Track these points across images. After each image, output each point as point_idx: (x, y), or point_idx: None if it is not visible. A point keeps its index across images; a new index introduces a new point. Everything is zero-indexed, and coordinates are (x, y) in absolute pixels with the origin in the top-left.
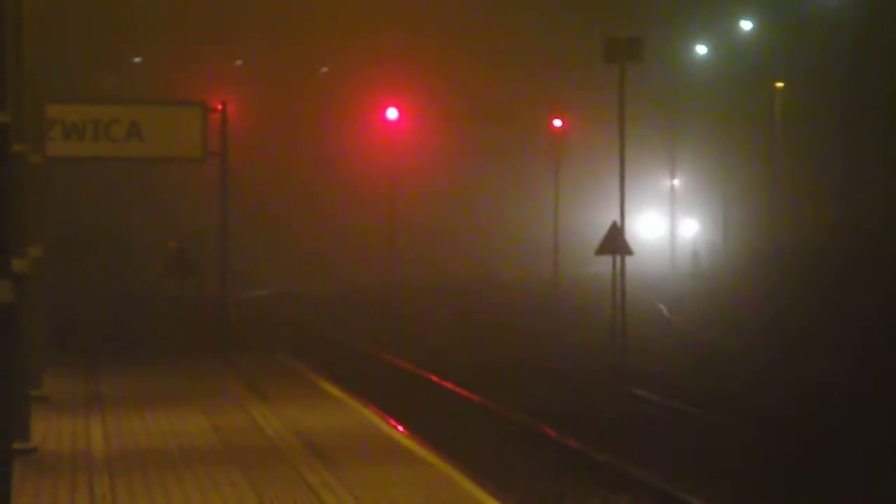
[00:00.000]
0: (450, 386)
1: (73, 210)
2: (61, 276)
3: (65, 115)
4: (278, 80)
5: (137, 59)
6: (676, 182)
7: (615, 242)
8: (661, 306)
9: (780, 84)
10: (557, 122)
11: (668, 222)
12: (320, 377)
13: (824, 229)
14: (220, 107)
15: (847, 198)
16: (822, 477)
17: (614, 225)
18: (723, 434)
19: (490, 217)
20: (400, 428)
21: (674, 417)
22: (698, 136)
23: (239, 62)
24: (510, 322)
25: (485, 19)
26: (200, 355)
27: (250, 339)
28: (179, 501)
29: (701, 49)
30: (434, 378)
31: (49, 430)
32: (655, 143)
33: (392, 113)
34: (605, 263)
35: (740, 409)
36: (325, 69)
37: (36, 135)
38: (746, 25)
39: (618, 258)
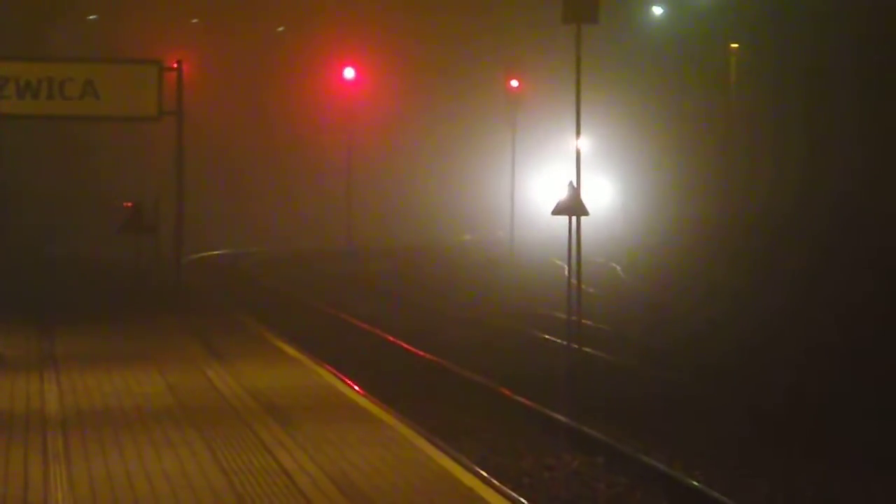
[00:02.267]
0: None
1: (25, 170)
2: (14, 236)
3: (19, 73)
4: (234, 38)
5: (92, 17)
6: (582, 143)
7: (571, 203)
8: (617, 266)
9: (734, 45)
10: (514, 83)
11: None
12: (275, 336)
13: (781, 194)
14: (175, 65)
15: (806, 162)
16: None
17: (570, 185)
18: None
19: (447, 178)
20: (356, 387)
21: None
22: (654, 99)
23: (195, 20)
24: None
25: None
26: (155, 315)
27: (205, 298)
28: (134, 461)
29: (657, 10)
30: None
31: (2, 390)
32: (612, 106)
33: (349, 72)
34: (561, 225)
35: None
36: (281, 28)
37: None
38: None
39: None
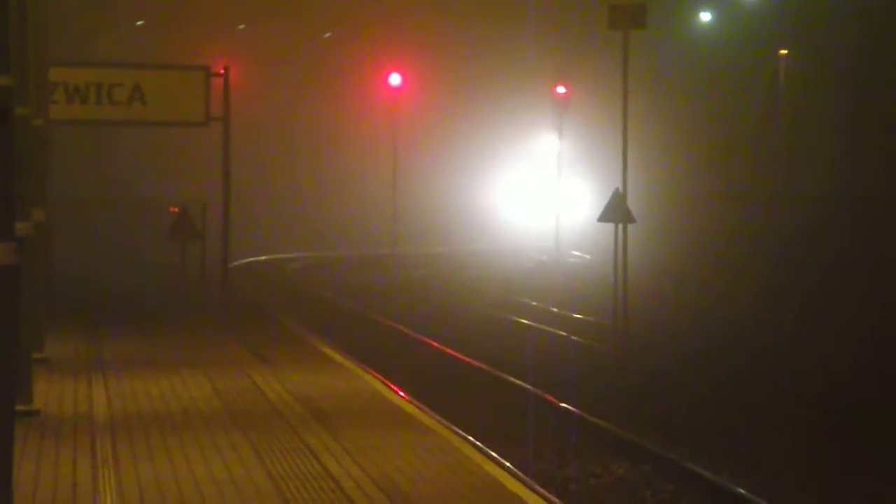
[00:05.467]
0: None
1: (76, 175)
2: (65, 239)
3: (68, 79)
4: (281, 44)
5: (140, 23)
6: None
7: (617, 210)
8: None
9: (784, 51)
10: (561, 90)
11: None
12: (321, 341)
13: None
14: (222, 71)
15: (845, 169)
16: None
17: (616, 192)
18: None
19: (493, 185)
20: (401, 393)
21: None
22: (699, 104)
23: (241, 26)
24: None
25: None
26: (202, 320)
27: (251, 303)
28: (181, 464)
29: (705, 16)
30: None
31: (51, 393)
32: (659, 111)
33: (395, 78)
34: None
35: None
36: (328, 34)
37: (39, 98)
38: None
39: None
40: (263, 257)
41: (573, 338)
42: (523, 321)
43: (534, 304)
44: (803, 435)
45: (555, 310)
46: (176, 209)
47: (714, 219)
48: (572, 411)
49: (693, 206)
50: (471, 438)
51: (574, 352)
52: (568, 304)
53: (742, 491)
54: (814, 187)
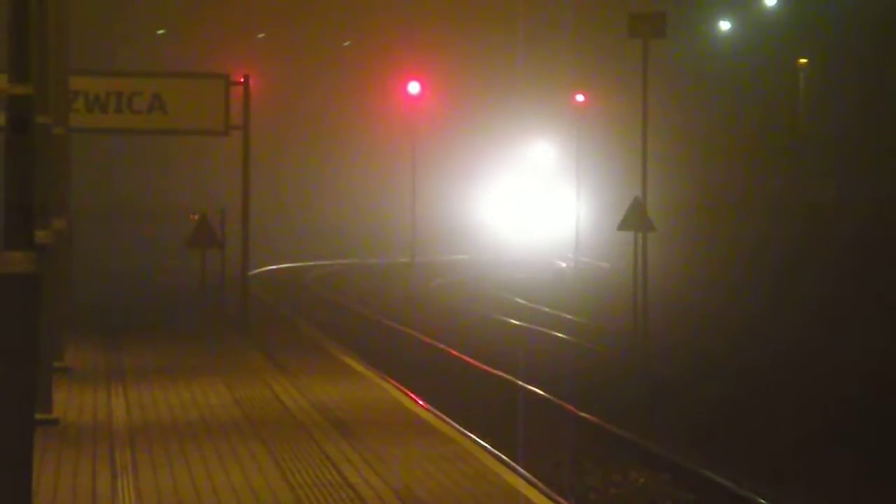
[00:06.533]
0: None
1: (96, 184)
2: (86, 248)
3: (88, 87)
4: (301, 53)
5: (161, 32)
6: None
7: (637, 218)
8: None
9: (803, 60)
10: (580, 98)
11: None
12: (340, 350)
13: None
14: (242, 80)
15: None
16: None
17: (636, 200)
18: None
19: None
20: (420, 402)
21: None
22: (719, 112)
23: (261, 35)
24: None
25: None
26: (221, 328)
27: (270, 312)
28: (200, 473)
29: (724, 24)
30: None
31: (71, 402)
32: (678, 119)
33: (414, 87)
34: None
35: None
36: (347, 43)
37: (59, 106)
38: (770, 1)
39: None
40: (283, 266)
41: (592, 345)
42: (537, 328)
43: (547, 310)
44: (821, 443)
45: (570, 317)
46: (196, 217)
47: (725, 226)
48: (591, 420)
49: (700, 213)
50: (490, 447)
51: (592, 359)
52: (586, 311)
53: (762, 501)
54: (829, 195)
